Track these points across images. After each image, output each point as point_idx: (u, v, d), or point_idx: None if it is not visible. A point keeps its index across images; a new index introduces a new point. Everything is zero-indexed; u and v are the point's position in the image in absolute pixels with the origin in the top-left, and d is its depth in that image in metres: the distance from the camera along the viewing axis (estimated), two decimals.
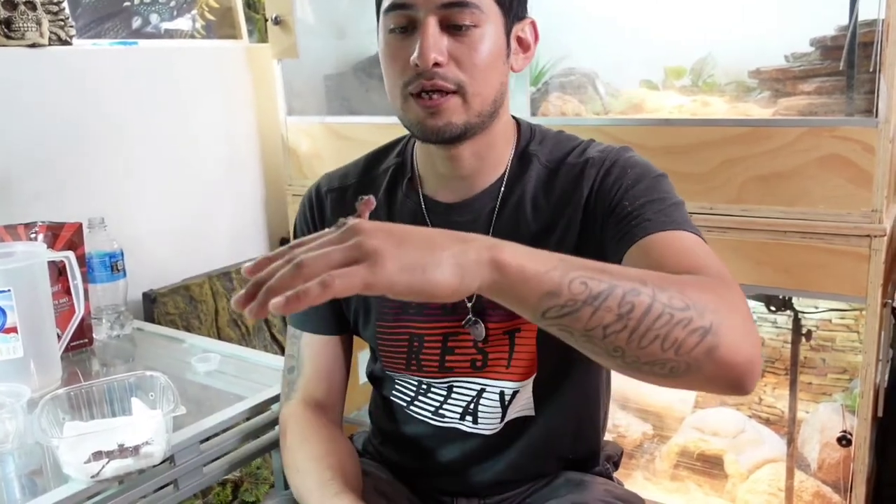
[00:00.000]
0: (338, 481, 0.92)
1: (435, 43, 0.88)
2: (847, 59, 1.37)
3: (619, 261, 0.87)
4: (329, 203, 1.09)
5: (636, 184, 0.92)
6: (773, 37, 1.61)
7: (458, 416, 1.04)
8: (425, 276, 0.61)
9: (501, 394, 1.02)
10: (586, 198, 0.95)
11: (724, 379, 0.68)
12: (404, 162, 1.07)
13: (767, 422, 1.83)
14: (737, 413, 1.83)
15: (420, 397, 1.07)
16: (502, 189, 1.00)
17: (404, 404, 1.09)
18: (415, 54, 0.89)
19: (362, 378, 1.25)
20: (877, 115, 1.25)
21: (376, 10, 0.98)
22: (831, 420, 1.67)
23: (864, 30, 1.35)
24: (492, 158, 1.00)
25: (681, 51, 1.75)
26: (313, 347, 1.08)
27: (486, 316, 1.00)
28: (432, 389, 1.06)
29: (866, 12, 1.35)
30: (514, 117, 1.04)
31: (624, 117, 1.64)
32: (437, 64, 0.88)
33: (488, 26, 0.91)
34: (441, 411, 1.06)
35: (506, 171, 1.01)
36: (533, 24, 0.99)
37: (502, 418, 1.03)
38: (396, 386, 1.09)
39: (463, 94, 0.91)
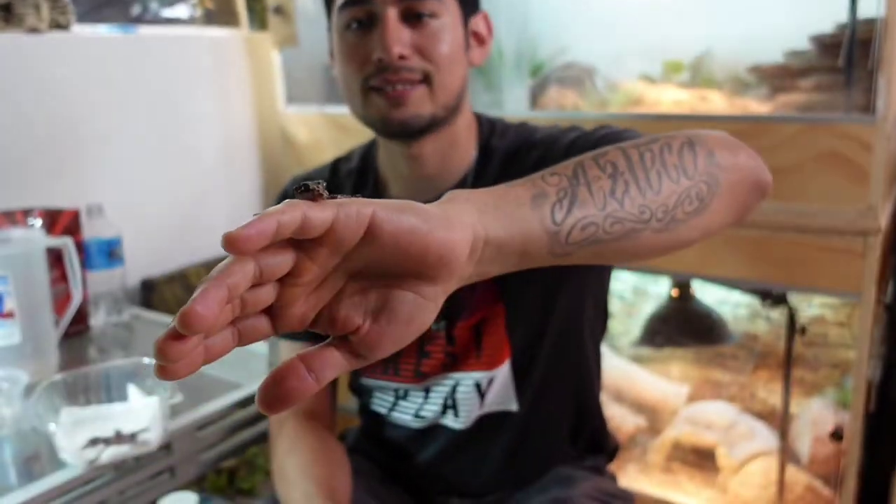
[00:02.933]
0: (322, 494, 0.91)
1: (398, 36, 0.87)
2: (846, 57, 1.37)
3: None
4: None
5: (583, 137, 0.91)
6: (771, 33, 1.61)
7: (439, 412, 1.03)
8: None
9: (477, 384, 1.00)
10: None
11: (746, 182, 0.65)
12: (367, 165, 1.06)
13: (760, 416, 1.84)
14: (729, 407, 1.84)
15: (400, 401, 1.06)
16: (467, 188, 0.97)
17: (384, 412, 1.08)
18: (378, 49, 0.88)
19: None
20: (874, 113, 1.25)
21: (326, 7, 0.97)
22: (823, 415, 1.68)
23: (863, 27, 1.35)
24: (455, 157, 0.98)
25: (679, 45, 1.75)
26: (292, 355, 1.07)
27: (453, 316, 0.99)
28: (410, 394, 1.05)
29: (865, 10, 1.36)
30: (475, 113, 1.03)
31: (622, 112, 1.64)
32: (402, 57, 0.88)
33: (447, 17, 0.91)
34: (422, 413, 1.05)
35: (469, 170, 0.99)
36: (486, 17, 0.99)
37: (480, 409, 1.02)
38: (375, 395, 1.08)
39: (429, 83, 0.90)
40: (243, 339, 0.43)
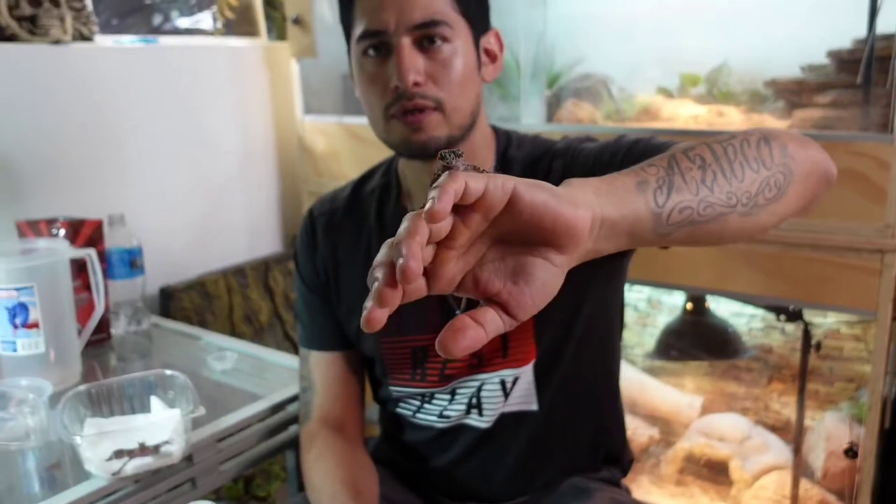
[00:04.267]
0: (348, 493, 0.96)
1: (412, 63, 0.92)
2: (864, 74, 1.37)
3: None
4: (320, 227, 1.12)
5: (605, 150, 0.96)
6: (789, 47, 1.61)
7: (463, 411, 1.07)
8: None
9: (502, 382, 1.04)
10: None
11: (816, 173, 0.71)
12: (389, 181, 1.10)
13: (773, 428, 1.84)
14: (743, 419, 1.85)
15: (425, 405, 1.10)
16: None
17: (410, 414, 1.12)
18: (394, 77, 0.93)
19: None
20: (892, 132, 1.25)
21: (346, 35, 1.02)
22: (837, 429, 1.68)
23: (882, 44, 1.35)
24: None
25: (696, 57, 1.76)
26: (322, 366, 1.11)
27: None
28: (436, 397, 1.08)
29: (884, 26, 1.35)
30: (491, 125, 1.07)
31: (640, 126, 1.65)
32: (416, 84, 0.92)
33: (458, 41, 0.95)
34: (446, 413, 1.08)
35: None
36: (497, 34, 1.04)
37: (504, 406, 1.05)
38: (402, 402, 1.12)
39: (442, 110, 0.94)
40: (405, 297, 0.48)
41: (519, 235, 0.50)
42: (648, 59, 1.82)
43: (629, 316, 2.00)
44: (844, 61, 1.45)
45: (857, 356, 1.77)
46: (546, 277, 0.51)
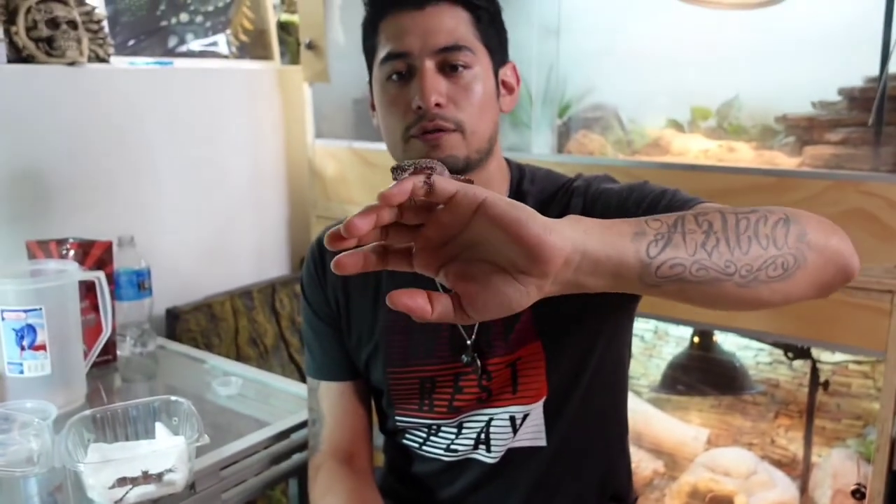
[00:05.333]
0: None
1: (435, 85, 0.94)
2: (876, 113, 1.38)
3: None
4: (329, 256, 1.10)
5: (629, 196, 0.96)
6: (800, 82, 1.61)
7: (471, 447, 1.06)
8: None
9: (511, 418, 1.04)
10: None
11: (832, 264, 0.70)
12: None
13: (779, 464, 1.82)
14: (749, 454, 1.83)
15: (432, 437, 1.09)
16: None
17: (416, 446, 1.11)
18: (416, 97, 0.94)
19: None
20: None
21: (367, 62, 1.04)
22: (844, 466, 1.66)
23: (894, 83, 1.36)
24: None
25: (707, 90, 1.76)
26: (331, 397, 1.11)
27: (487, 353, 1.02)
28: (443, 429, 1.07)
29: None
30: (504, 158, 1.08)
31: (650, 160, 1.65)
32: (438, 105, 0.94)
33: (479, 68, 0.98)
34: (453, 447, 1.07)
35: None
36: (514, 67, 1.06)
37: (512, 442, 1.04)
38: (408, 433, 1.11)
39: (462, 132, 0.96)
40: (390, 262, 0.60)
41: (489, 245, 0.56)
42: (659, 92, 1.82)
43: (635, 346, 1.99)
44: (856, 99, 1.45)
45: (864, 393, 1.76)
46: (506, 290, 0.56)
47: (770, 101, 1.67)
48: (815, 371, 1.57)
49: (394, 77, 0.97)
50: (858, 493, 1.43)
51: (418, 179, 0.56)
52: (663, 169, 1.52)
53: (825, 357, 1.71)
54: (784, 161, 1.53)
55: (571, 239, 0.56)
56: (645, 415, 1.97)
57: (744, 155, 1.58)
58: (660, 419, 1.97)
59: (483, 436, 1.05)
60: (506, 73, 1.04)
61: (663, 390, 1.85)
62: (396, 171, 0.60)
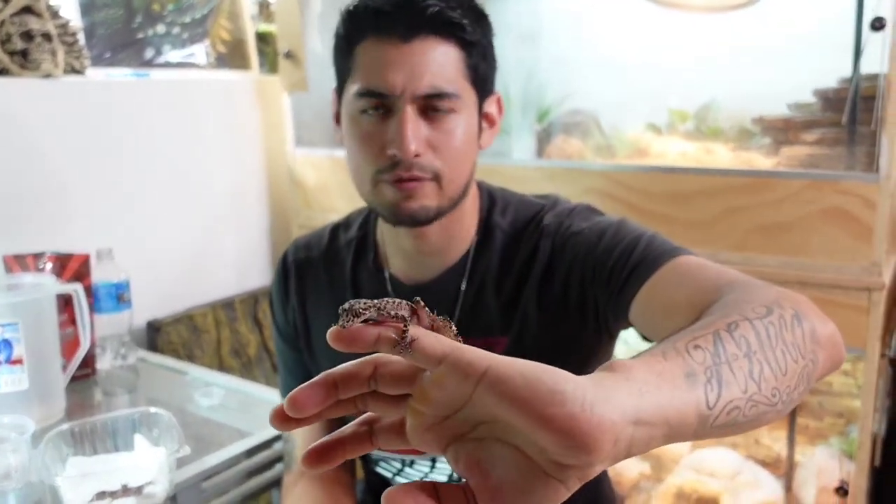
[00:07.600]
0: None
1: (415, 133, 0.86)
2: (849, 114, 1.39)
3: (626, 314, 0.83)
4: (293, 274, 1.08)
5: (599, 242, 0.89)
6: (776, 84, 1.63)
7: (445, 480, 1.03)
8: None
9: None
10: (542, 273, 0.94)
11: (832, 358, 0.64)
12: (366, 235, 1.05)
13: (764, 463, 1.83)
14: (733, 454, 1.84)
15: (406, 468, 1.06)
16: (468, 265, 0.98)
17: (390, 476, 1.08)
18: (393, 145, 0.87)
19: None
20: (878, 171, 1.27)
21: (338, 79, 0.95)
22: (828, 464, 1.67)
23: (867, 84, 1.37)
24: (458, 233, 0.98)
25: (685, 93, 1.78)
26: (308, 436, 1.07)
27: None
28: (416, 464, 1.05)
29: (868, 65, 1.37)
30: (477, 183, 1.02)
31: (628, 163, 1.66)
32: (416, 154, 0.87)
33: (464, 111, 0.90)
34: (428, 480, 1.04)
35: (471, 246, 0.99)
36: (499, 99, 0.99)
37: None
38: (382, 462, 1.09)
39: (438, 181, 0.90)
40: (380, 440, 0.47)
41: (511, 427, 0.40)
42: (637, 96, 1.83)
43: (621, 351, 1.99)
44: (830, 100, 1.47)
45: (846, 391, 1.77)
46: (535, 487, 0.40)
47: (746, 103, 1.69)
48: None
49: (370, 112, 0.89)
50: (842, 490, 1.44)
51: (386, 332, 0.41)
52: (642, 172, 1.53)
53: None
54: (761, 162, 1.55)
55: (622, 409, 0.40)
56: None
57: (722, 156, 1.60)
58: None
59: (455, 476, 1.02)
60: (490, 105, 0.97)
61: None
62: (346, 315, 0.43)
